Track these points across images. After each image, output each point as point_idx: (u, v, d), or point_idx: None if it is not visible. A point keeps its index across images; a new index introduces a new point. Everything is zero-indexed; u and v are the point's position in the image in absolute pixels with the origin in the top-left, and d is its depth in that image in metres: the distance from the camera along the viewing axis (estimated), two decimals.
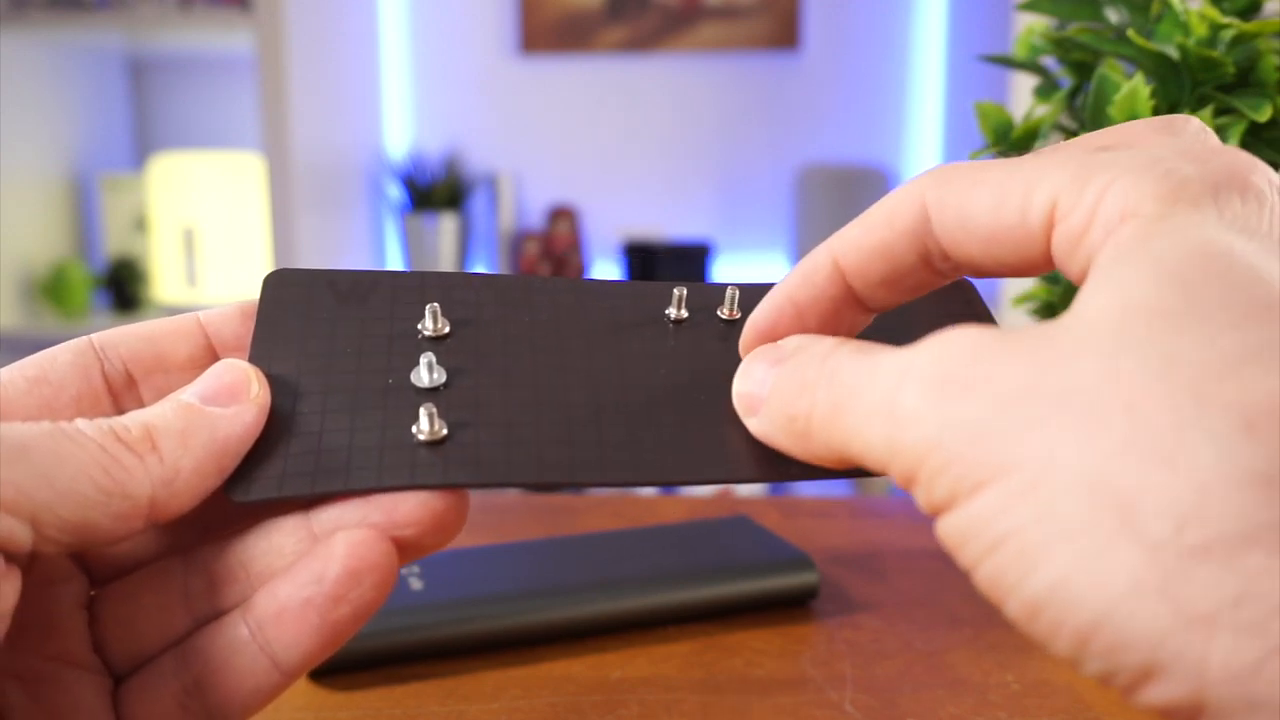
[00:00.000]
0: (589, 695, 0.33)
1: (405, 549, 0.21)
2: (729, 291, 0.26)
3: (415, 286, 0.26)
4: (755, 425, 0.22)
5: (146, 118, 2.02)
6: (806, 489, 1.80)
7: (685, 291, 0.26)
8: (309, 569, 0.20)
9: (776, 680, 0.34)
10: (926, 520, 0.49)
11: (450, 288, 0.26)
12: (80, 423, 0.19)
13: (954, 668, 0.34)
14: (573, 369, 0.24)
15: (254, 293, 0.26)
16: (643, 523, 0.48)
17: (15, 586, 0.18)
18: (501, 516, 0.50)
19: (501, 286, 0.26)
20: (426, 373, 0.23)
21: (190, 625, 0.21)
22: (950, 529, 0.16)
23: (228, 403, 0.21)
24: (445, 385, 0.23)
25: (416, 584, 0.37)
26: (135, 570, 0.22)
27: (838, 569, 0.43)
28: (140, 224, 1.83)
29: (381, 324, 0.25)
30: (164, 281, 1.74)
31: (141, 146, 2.01)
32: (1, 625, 0.17)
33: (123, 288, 1.82)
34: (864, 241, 0.21)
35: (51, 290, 1.75)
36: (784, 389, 0.21)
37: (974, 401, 0.16)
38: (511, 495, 0.54)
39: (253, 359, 0.23)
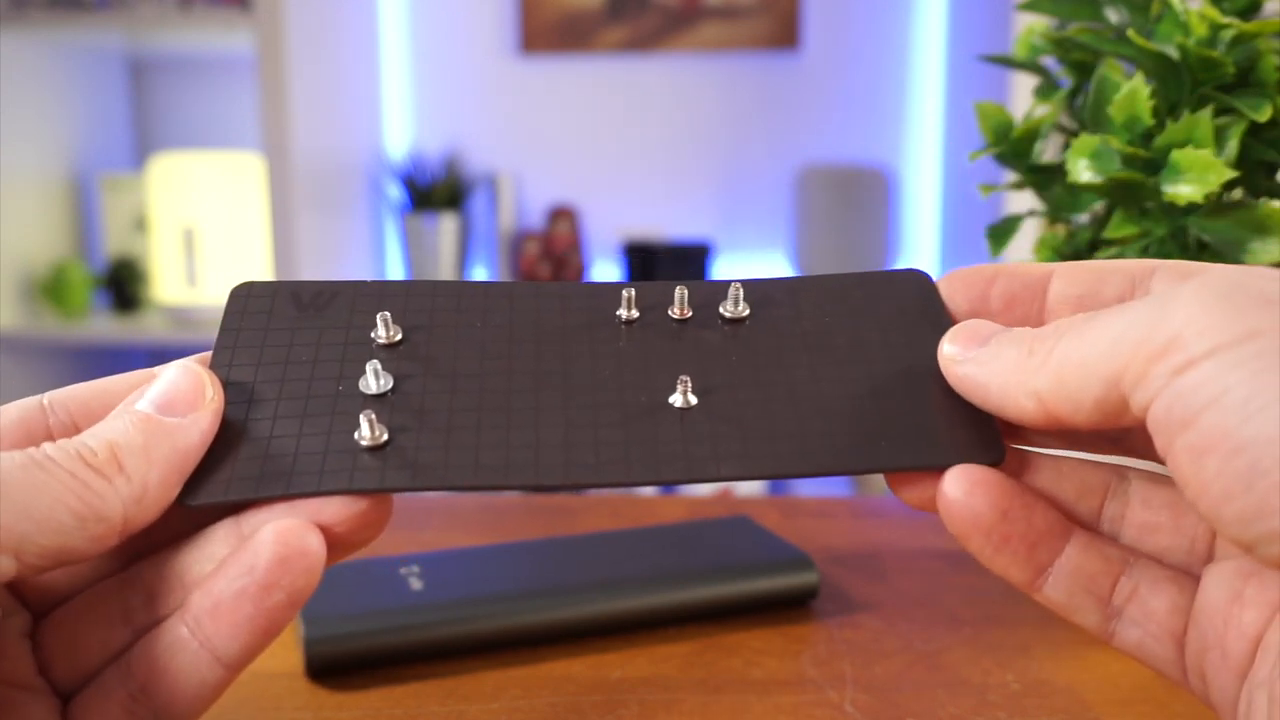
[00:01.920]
0: (589, 695, 0.33)
1: (333, 546, 0.22)
2: (678, 291, 0.26)
3: (375, 294, 0.26)
4: (978, 354, 0.23)
5: (146, 118, 2.02)
6: (807, 489, 1.80)
7: (634, 292, 0.26)
8: (239, 561, 0.21)
9: (776, 680, 0.34)
10: (926, 520, 0.49)
11: (410, 295, 0.26)
12: (49, 449, 0.20)
13: (954, 668, 0.34)
14: (520, 372, 0.25)
15: None
16: (642, 523, 0.48)
17: None
18: (501, 516, 0.50)
19: (459, 293, 0.26)
20: (373, 379, 0.24)
21: (131, 639, 0.22)
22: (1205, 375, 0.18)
23: (185, 411, 0.22)
24: (392, 390, 0.24)
25: (416, 584, 0.37)
26: (73, 597, 0.23)
27: (838, 569, 0.43)
28: (140, 224, 1.83)
29: (338, 332, 0.25)
30: (164, 281, 1.74)
31: (141, 146, 2.01)
32: None
33: (123, 288, 1.82)
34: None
35: (51, 290, 1.75)
36: (1026, 333, 0.22)
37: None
38: (511, 495, 0.54)
39: (213, 365, 0.24)
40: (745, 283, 0.26)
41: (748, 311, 0.26)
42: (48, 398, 0.23)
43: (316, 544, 0.21)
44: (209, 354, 0.25)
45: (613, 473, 0.23)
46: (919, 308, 0.26)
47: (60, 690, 0.22)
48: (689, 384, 0.24)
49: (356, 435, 0.23)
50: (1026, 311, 0.24)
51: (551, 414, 0.24)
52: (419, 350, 0.25)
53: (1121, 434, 0.24)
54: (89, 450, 0.20)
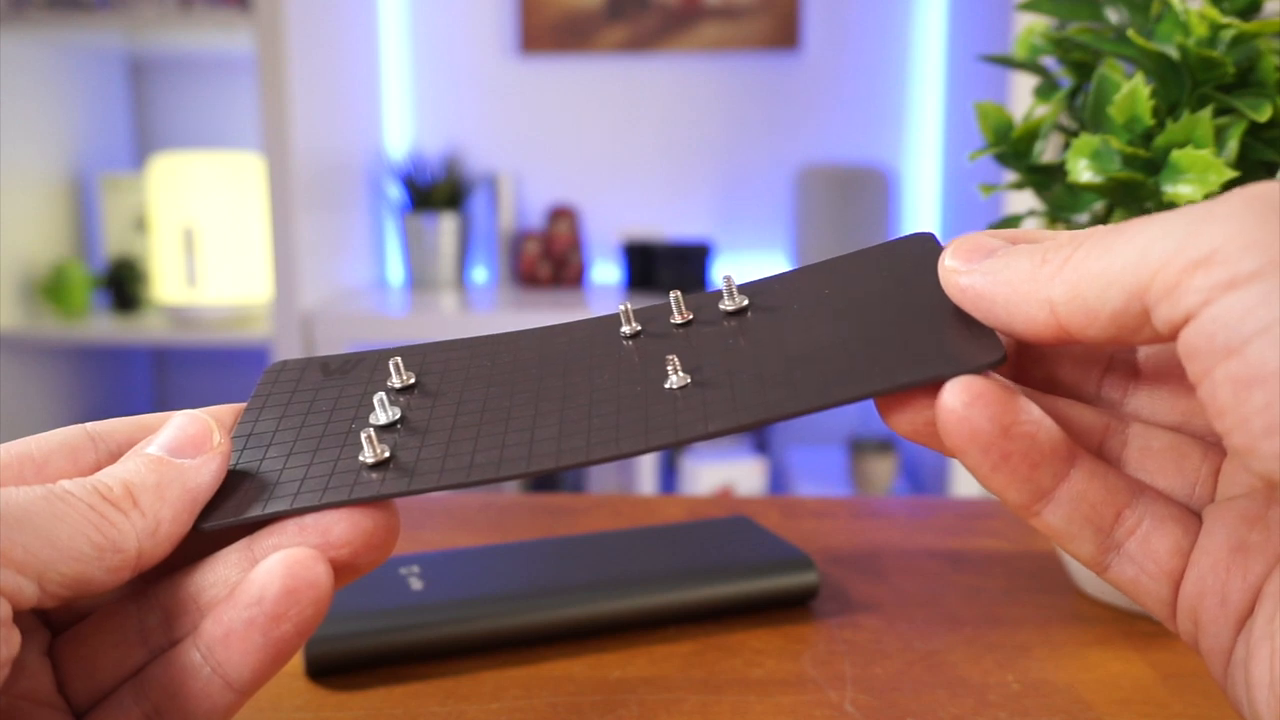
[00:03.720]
0: (589, 695, 0.33)
1: (341, 570, 0.22)
2: (672, 298, 0.27)
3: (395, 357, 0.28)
4: (984, 265, 0.21)
5: (146, 118, 2.02)
6: (807, 489, 1.80)
7: (630, 307, 0.27)
8: (249, 591, 0.21)
9: (776, 680, 0.34)
10: (926, 520, 0.49)
11: (427, 354, 0.28)
12: (65, 484, 0.21)
13: (954, 668, 0.34)
14: (522, 392, 0.26)
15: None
16: (642, 523, 0.48)
17: (19, 637, 0.19)
18: (501, 516, 0.50)
19: (473, 344, 0.28)
20: (381, 411, 0.25)
21: (147, 658, 0.23)
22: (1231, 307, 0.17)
23: (194, 454, 0.23)
24: (400, 421, 0.25)
25: (416, 584, 0.37)
26: (89, 615, 0.23)
27: (838, 569, 0.43)
28: (140, 224, 1.83)
29: (358, 387, 0.27)
30: (164, 281, 1.74)
31: (141, 146, 2.01)
32: (1, 673, 0.19)
33: (123, 288, 1.82)
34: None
35: (51, 290, 1.75)
36: (1039, 245, 0.20)
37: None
38: (511, 495, 0.54)
39: (243, 421, 0.26)
40: (743, 286, 0.27)
41: (746, 302, 0.26)
42: (92, 428, 0.24)
43: (324, 575, 0.21)
44: (226, 406, 0.26)
45: (602, 450, 0.23)
46: (920, 261, 0.25)
47: (76, 707, 0.22)
48: (677, 362, 0.24)
49: (360, 456, 0.24)
50: None
51: (548, 417, 0.25)
52: (429, 388, 0.27)
53: (1129, 377, 0.23)
54: (105, 486, 0.21)
